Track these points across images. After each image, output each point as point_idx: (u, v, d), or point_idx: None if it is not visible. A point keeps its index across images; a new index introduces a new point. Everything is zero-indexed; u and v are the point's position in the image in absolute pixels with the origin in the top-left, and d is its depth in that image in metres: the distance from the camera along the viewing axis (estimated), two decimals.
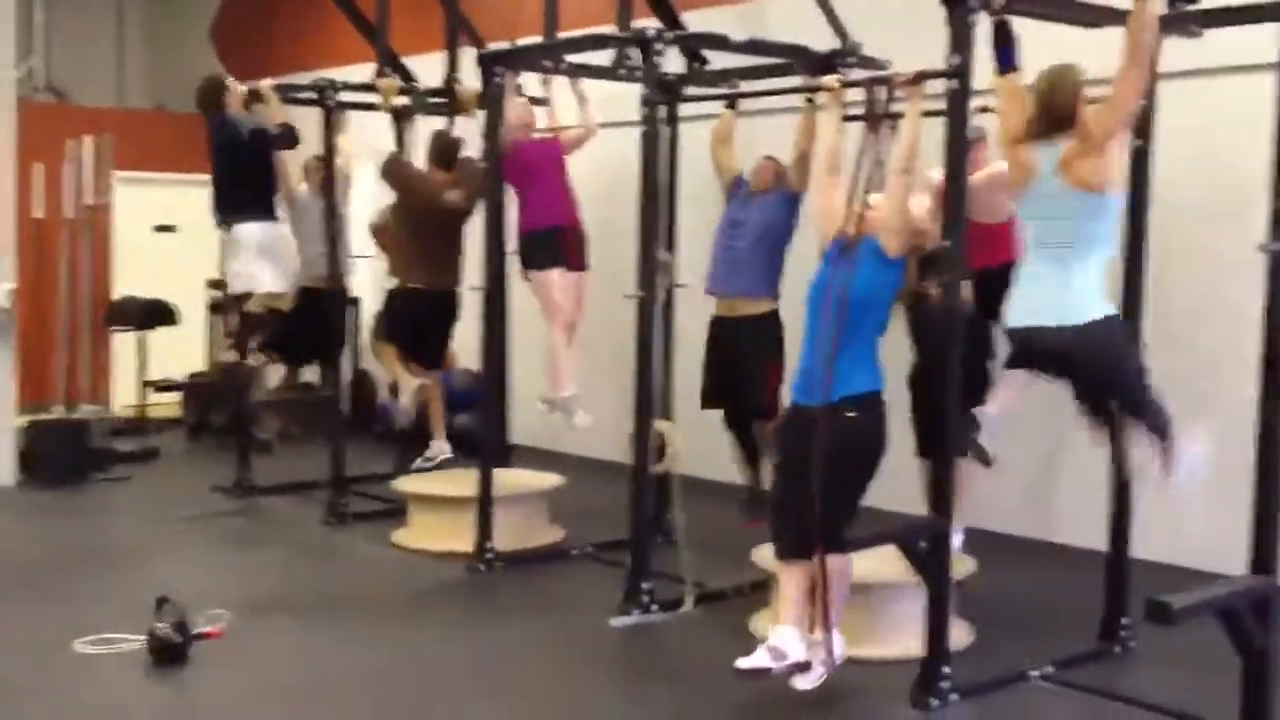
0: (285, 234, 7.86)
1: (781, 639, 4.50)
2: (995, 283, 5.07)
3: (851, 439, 4.52)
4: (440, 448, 7.66)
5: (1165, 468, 4.56)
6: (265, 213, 7.72)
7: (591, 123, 7.07)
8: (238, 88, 7.76)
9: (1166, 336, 5.17)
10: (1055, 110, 4.38)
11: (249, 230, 7.66)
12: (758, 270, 6.11)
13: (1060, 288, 4.41)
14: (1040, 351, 4.51)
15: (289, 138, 7.63)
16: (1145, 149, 4.88)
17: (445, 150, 7.43)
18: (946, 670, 4.52)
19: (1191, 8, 4.79)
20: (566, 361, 6.91)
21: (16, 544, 7.03)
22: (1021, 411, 4.82)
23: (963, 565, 5.01)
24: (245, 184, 7.64)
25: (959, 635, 4.91)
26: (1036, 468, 6.57)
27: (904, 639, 4.87)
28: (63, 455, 8.59)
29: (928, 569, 4.59)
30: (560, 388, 6.89)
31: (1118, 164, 4.41)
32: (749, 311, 6.14)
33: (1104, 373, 4.53)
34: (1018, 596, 5.65)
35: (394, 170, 7.34)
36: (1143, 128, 4.86)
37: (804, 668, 4.52)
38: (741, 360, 6.17)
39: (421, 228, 7.30)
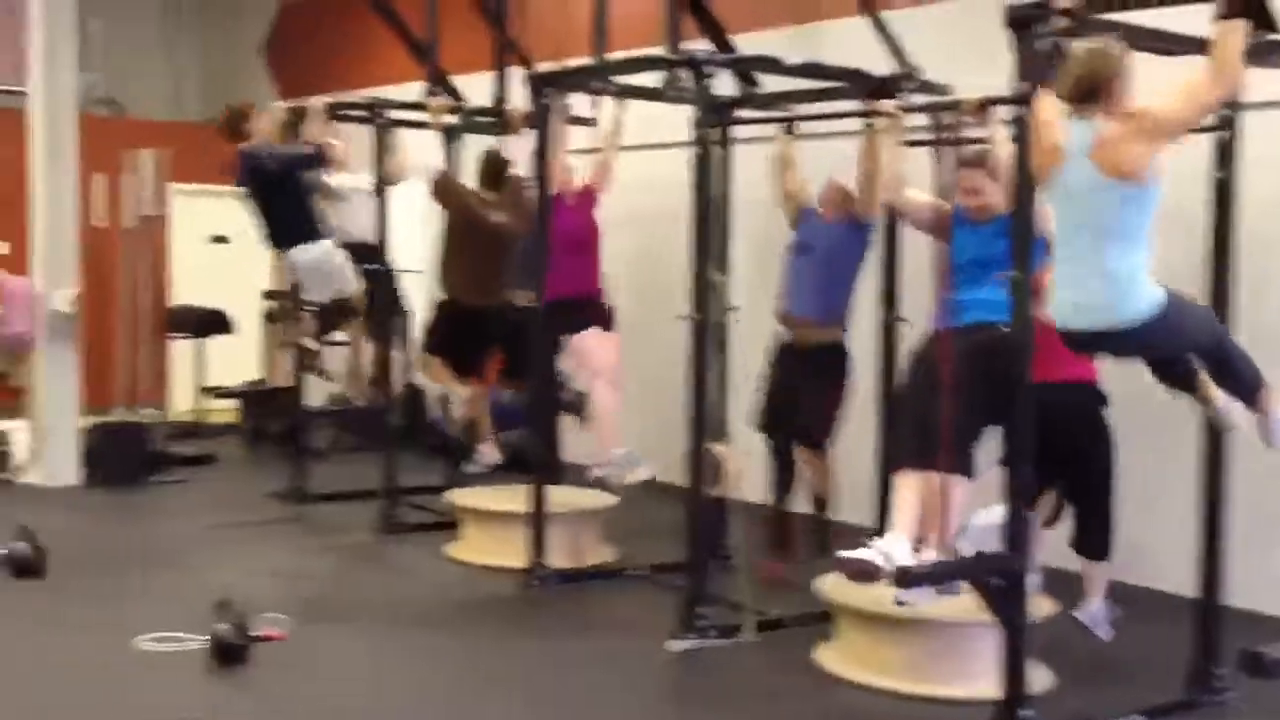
0: (331, 252, 7.21)
1: (892, 544, 4.14)
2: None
3: (1000, 353, 4.14)
4: (487, 454, 7.23)
5: (1262, 431, 4.17)
6: (310, 236, 7.10)
7: (613, 154, 6.53)
8: (277, 109, 7.40)
9: (1261, 361, 4.65)
10: (1090, 78, 3.75)
11: (296, 254, 7.16)
12: (825, 295, 5.71)
13: (1105, 284, 3.80)
14: (1100, 347, 4.05)
15: (316, 160, 6.99)
16: (1228, 180, 4.38)
17: (494, 170, 7.03)
18: (1025, 714, 4.03)
19: (1274, 37, 4.28)
20: (611, 424, 6.41)
21: (80, 541, 6.69)
22: None
23: (1041, 606, 4.52)
24: (283, 216, 7.05)
25: (1038, 678, 4.41)
26: (1123, 508, 5.82)
27: (979, 680, 4.37)
28: (124, 457, 8.29)
29: (1003, 608, 4.12)
30: (608, 449, 6.36)
31: (1160, 156, 3.75)
32: (816, 340, 5.76)
33: (1175, 352, 4.08)
34: (1102, 641, 5.12)
35: (443, 188, 6.94)
36: (1225, 158, 4.37)
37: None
38: (805, 386, 5.77)
39: (467, 244, 6.89)
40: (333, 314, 7.55)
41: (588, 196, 6.56)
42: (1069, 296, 3.90)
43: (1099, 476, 4.61)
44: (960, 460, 4.28)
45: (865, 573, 4.09)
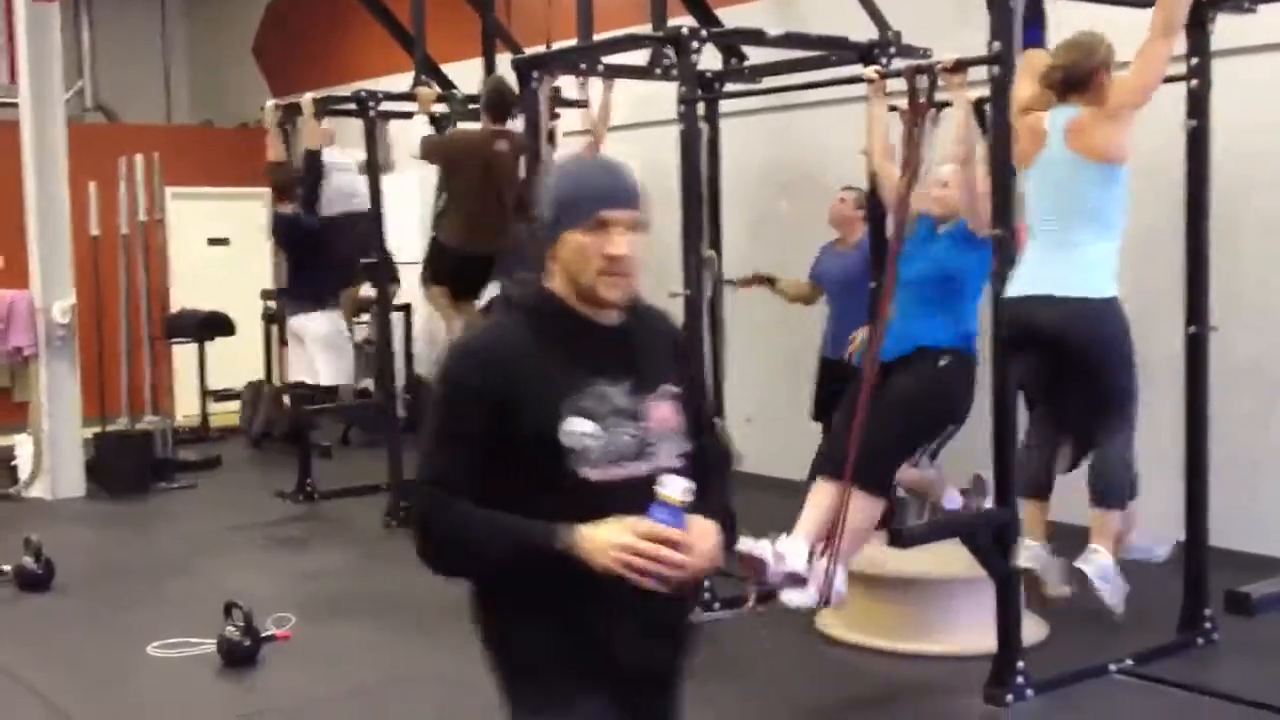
0: (342, 328, 7.71)
1: (788, 546, 4.29)
2: None
3: (933, 381, 4.40)
4: None
5: (1122, 538, 4.41)
6: (329, 304, 7.57)
7: (602, 131, 6.67)
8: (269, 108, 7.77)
9: (1234, 308, 4.85)
10: (1073, 70, 4.08)
11: (313, 322, 7.53)
12: None
13: (1065, 259, 4.10)
14: (1034, 327, 4.16)
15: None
16: (1202, 128, 4.57)
17: (500, 99, 6.87)
18: (1020, 665, 4.25)
19: None
20: None
21: (88, 553, 6.90)
22: None
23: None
24: (310, 274, 7.51)
25: (1032, 630, 4.62)
26: None
27: (976, 635, 4.57)
28: (129, 465, 8.49)
29: (993, 562, 4.33)
30: None
31: (1129, 136, 4.08)
32: None
33: (1091, 359, 4.18)
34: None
35: (431, 145, 7.00)
36: (1198, 107, 4.55)
37: (798, 581, 4.28)
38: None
39: (465, 189, 6.88)
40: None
41: None
42: (1033, 270, 4.16)
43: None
44: (878, 480, 4.38)
45: (755, 566, 4.28)
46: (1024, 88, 4.23)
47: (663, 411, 2.10)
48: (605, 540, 1.95)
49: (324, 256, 7.57)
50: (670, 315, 2.24)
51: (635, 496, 2.00)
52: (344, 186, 7.72)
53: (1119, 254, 4.19)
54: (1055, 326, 4.12)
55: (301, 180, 7.49)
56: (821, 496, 4.40)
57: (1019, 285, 4.19)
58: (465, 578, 2.14)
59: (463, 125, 7.46)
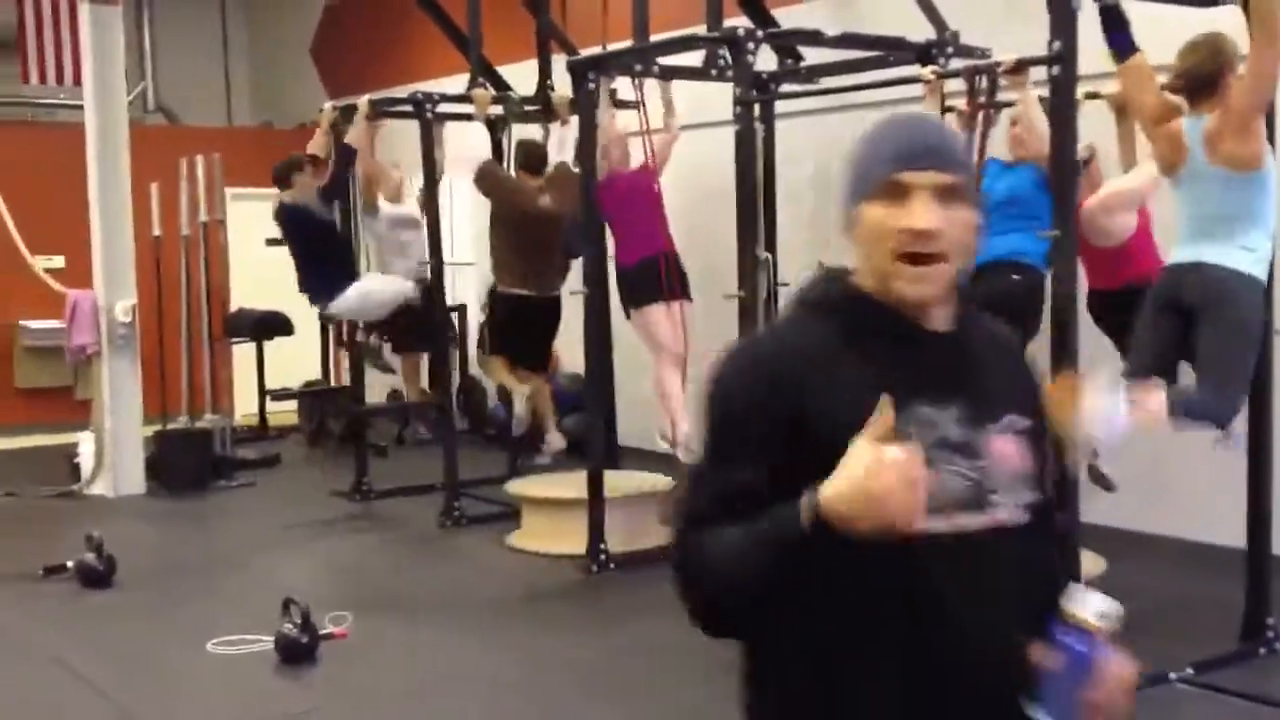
0: (367, 288, 7.71)
1: None
2: (1112, 305, 4.73)
3: (1002, 296, 4.44)
4: (554, 441, 7.46)
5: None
6: (349, 281, 7.60)
7: (674, 128, 6.73)
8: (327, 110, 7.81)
9: None
10: (1197, 72, 4.05)
11: (342, 301, 7.59)
12: None
13: (1220, 243, 4.07)
14: (1179, 293, 4.13)
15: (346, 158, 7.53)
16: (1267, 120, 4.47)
17: (531, 156, 7.21)
18: None
19: None
20: (679, 402, 6.55)
21: (148, 549, 6.94)
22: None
23: (1093, 564, 4.64)
24: (323, 265, 7.54)
25: None
26: (1161, 458, 5.76)
27: None
28: (189, 463, 8.55)
29: None
30: (679, 427, 6.51)
31: (1261, 139, 4.06)
32: None
33: (1219, 327, 4.09)
34: (1149, 595, 5.18)
35: (488, 177, 7.12)
36: None
37: None
38: None
39: (518, 234, 7.05)
40: (400, 324, 7.88)
41: (645, 169, 6.71)
42: (1185, 249, 4.16)
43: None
44: None
45: None
46: (1147, 97, 4.19)
47: (1006, 448, 1.59)
48: (864, 481, 1.40)
49: (333, 243, 7.62)
50: (1008, 328, 1.78)
51: (966, 559, 1.54)
52: (409, 248, 7.78)
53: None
54: (1197, 290, 4.10)
55: (334, 175, 7.50)
56: None
57: (1175, 256, 4.23)
58: (739, 625, 1.64)
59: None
